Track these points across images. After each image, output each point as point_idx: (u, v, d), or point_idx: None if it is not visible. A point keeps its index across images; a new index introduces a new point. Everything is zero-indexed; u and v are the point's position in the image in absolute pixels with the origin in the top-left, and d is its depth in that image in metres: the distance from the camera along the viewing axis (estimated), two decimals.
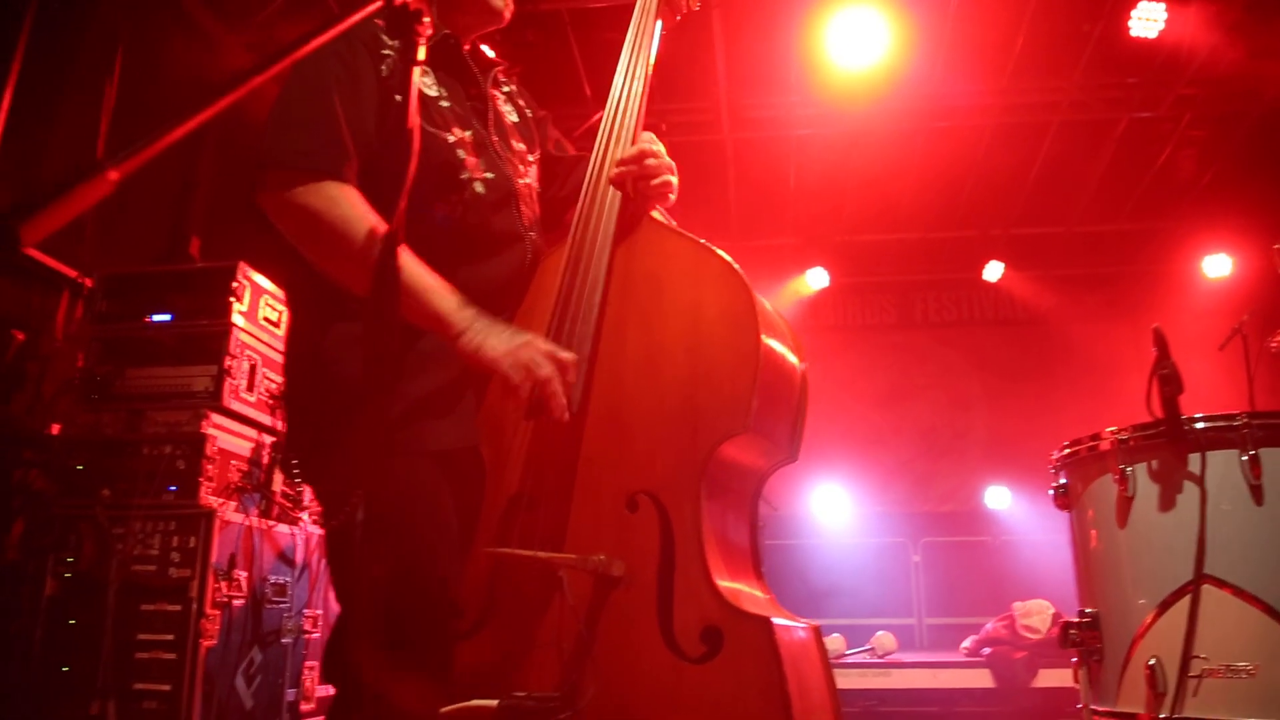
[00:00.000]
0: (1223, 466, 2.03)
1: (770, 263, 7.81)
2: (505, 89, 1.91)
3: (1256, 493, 1.98)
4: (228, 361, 3.46)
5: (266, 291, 3.77)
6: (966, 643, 4.83)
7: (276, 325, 3.82)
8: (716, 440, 1.45)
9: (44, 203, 0.68)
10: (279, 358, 3.83)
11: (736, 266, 1.53)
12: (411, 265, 1.45)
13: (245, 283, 3.61)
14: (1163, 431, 2.05)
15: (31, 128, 3.78)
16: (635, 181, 1.62)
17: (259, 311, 3.71)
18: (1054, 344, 7.66)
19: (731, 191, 7.20)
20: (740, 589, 1.48)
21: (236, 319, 3.53)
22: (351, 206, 1.49)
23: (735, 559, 1.53)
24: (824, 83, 5.93)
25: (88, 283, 3.81)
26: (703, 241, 1.59)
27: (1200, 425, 2.06)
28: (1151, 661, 1.92)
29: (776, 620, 1.38)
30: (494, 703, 1.34)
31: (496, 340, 1.46)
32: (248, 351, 3.60)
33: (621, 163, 1.63)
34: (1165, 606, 1.99)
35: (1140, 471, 2.13)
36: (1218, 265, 7.29)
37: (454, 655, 1.50)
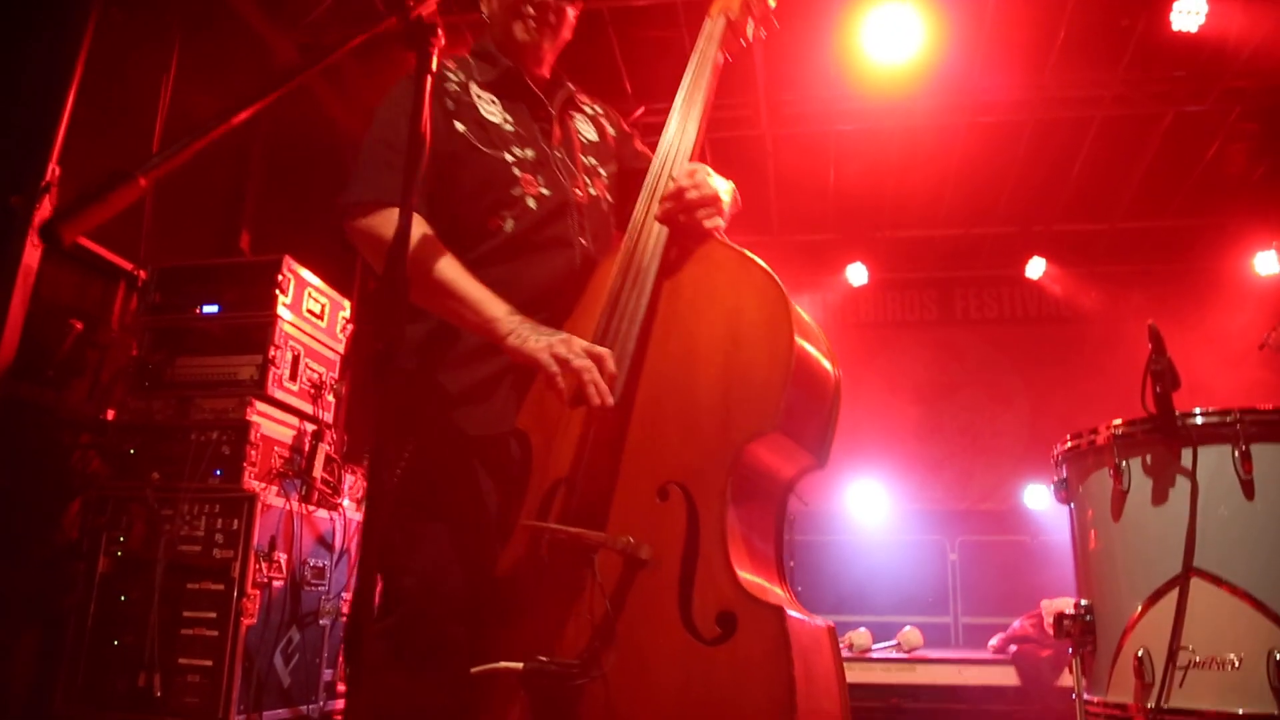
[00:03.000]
0: (1215, 461, 2.05)
1: (810, 258, 7.81)
2: (589, 110, 2.08)
3: (1247, 488, 1.99)
4: (272, 351, 3.60)
5: (310, 285, 3.91)
6: (994, 640, 4.82)
7: (319, 317, 3.96)
8: (746, 437, 1.52)
9: (80, 206, 0.77)
10: (321, 348, 3.97)
11: (776, 277, 1.61)
12: (464, 277, 1.66)
13: (290, 276, 3.75)
14: (1157, 426, 2.07)
15: (93, 126, 3.96)
16: (680, 214, 1.71)
17: (303, 304, 3.85)
18: (1097, 342, 7.54)
19: (771, 187, 7.21)
20: (759, 582, 1.54)
21: (281, 311, 3.67)
22: (416, 234, 1.64)
23: (758, 556, 1.60)
24: (862, 78, 5.92)
25: (142, 274, 3.99)
26: (747, 252, 1.67)
27: (1194, 420, 2.08)
28: (1140, 653, 1.95)
29: (791, 612, 1.44)
30: (519, 665, 1.46)
31: (537, 338, 1.60)
32: (291, 342, 3.74)
33: (664, 199, 1.71)
34: (1155, 599, 2.01)
35: (1135, 466, 2.15)
36: (1269, 262, 7.11)
37: (487, 621, 1.63)
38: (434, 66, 1.29)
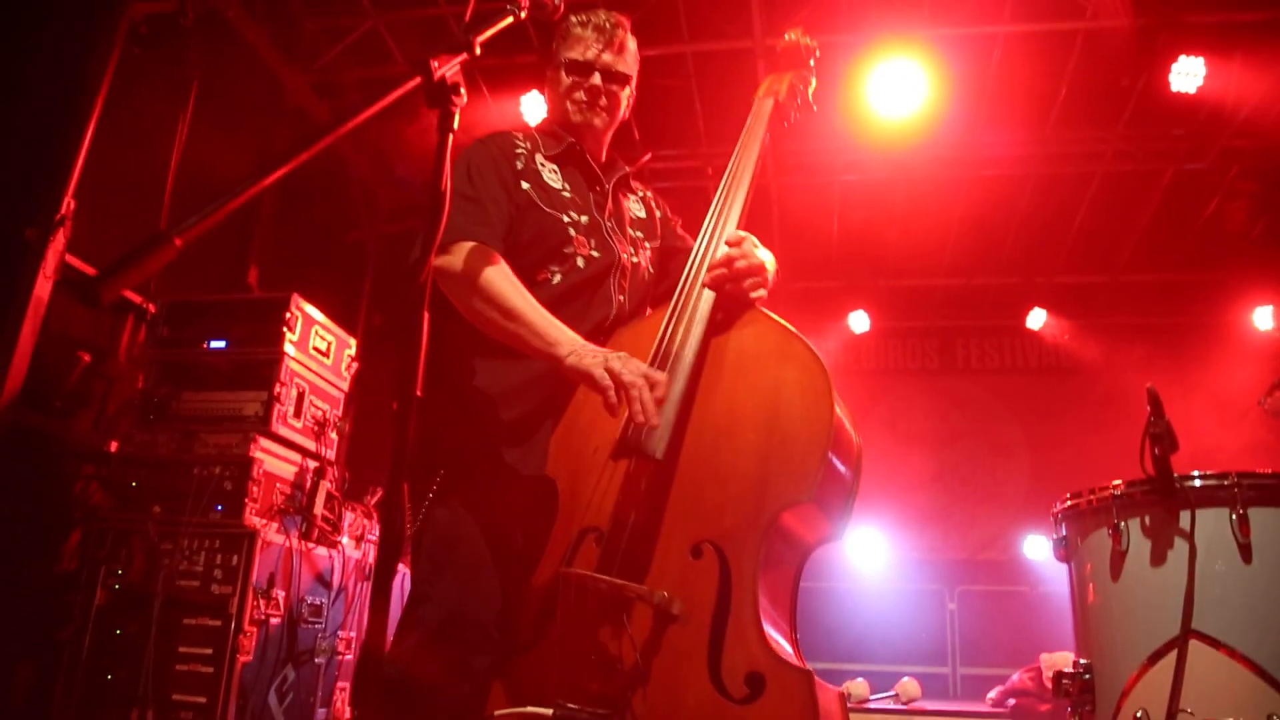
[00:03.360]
0: (1213, 524, 2.07)
1: (813, 306, 7.86)
2: (640, 192, 2.25)
3: (1245, 551, 2.01)
4: (277, 388, 3.62)
5: (317, 322, 3.94)
6: (992, 693, 4.77)
7: (325, 354, 3.99)
8: (783, 505, 1.57)
9: (121, 269, 0.81)
10: (325, 385, 4.00)
11: (819, 354, 1.68)
12: (535, 306, 1.76)
13: (298, 314, 3.78)
14: (1155, 488, 2.09)
15: (109, 161, 4.03)
16: (727, 283, 1.80)
17: (309, 341, 3.88)
18: (1097, 394, 7.56)
19: (775, 234, 7.29)
20: (784, 645, 1.59)
21: (288, 348, 3.70)
22: (496, 267, 1.79)
23: (780, 620, 1.65)
24: (867, 130, 6.02)
25: (151, 308, 4.03)
26: (790, 327, 1.75)
27: (1192, 483, 2.10)
28: (1139, 714, 1.95)
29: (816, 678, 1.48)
30: (549, 711, 1.48)
31: (594, 356, 1.66)
32: (297, 379, 3.76)
33: (713, 267, 1.81)
34: (1154, 660, 2.02)
35: (1134, 526, 2.17)
36: (1266, 318, 7.16)
37: (509, 662, 1.65)
38: (455, 125, 1.33)
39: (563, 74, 2.06)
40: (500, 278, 1.77)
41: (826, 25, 5.29)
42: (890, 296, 8.07)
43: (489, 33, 1.47)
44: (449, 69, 1.30)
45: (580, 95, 2.05)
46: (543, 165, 2.00)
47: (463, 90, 1.34)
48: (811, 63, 2.29)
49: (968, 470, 7.86)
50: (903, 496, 7.61)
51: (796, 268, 7.87)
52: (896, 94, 5.41)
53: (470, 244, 1.79)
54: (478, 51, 1.40)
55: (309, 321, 3.88)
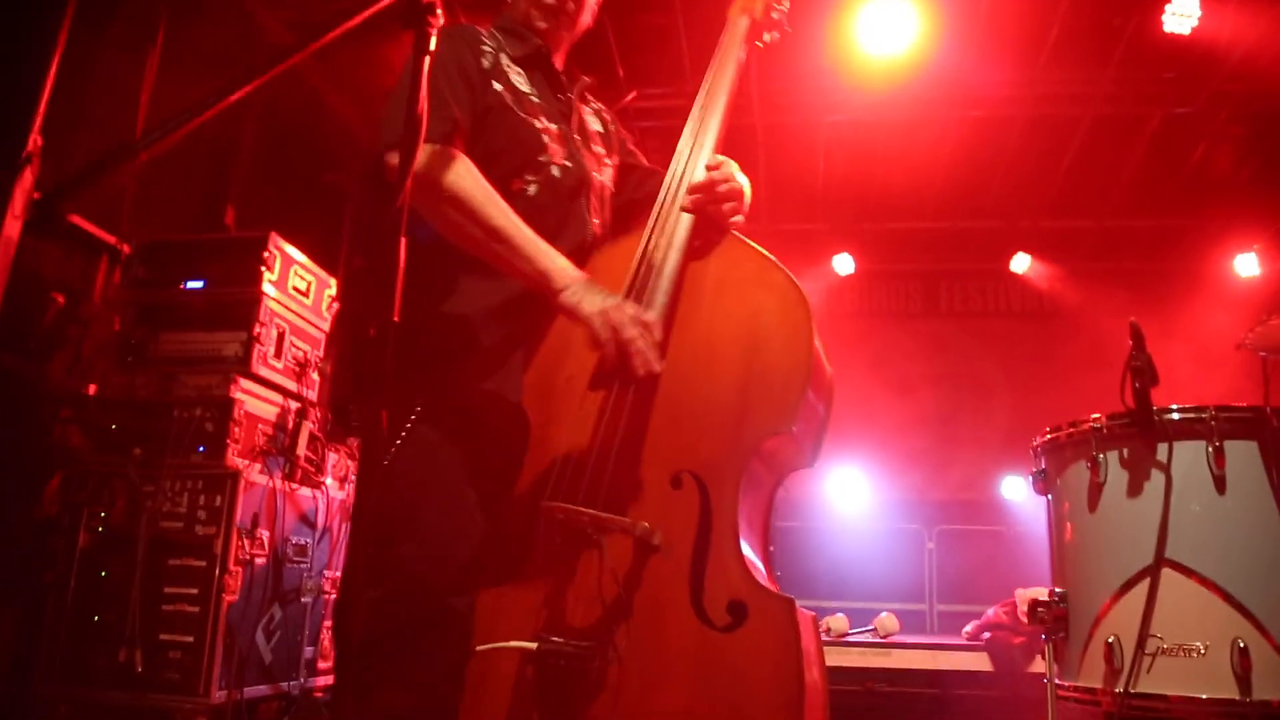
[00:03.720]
0: (1190, 457, 2.13)
1: (798, 247, 7.82)
2: (593, 105, 2.13)
3: (1219, 483, 2.07)
4: (257, 329, 3.58)
5: (296, 262, 3.89)
6: (968, 627, 4.88)
7: (305, 294, 3.94)
8: (762, 435, 1.58)
9: (79, 181, 0.77)
10: (306, 326, 3.96)
11: (797, 282, 1.69)
12: (519, 225, 1.65)
13: (276, 253, 3.73)
14: (1134, 421, 2.13)
15: (75, 95, 3.91)
16: (706, 206, 1.77)
17: (289, 281, 3.83)
18: (1079, 338, 7.61)
19: (762, 175, 7.20)
20: (761, 569, 1.61)
21: (267, 288, 3.65)
22: (457, 166, 1.66)
23: (758, 547, 1.67)
24: (854, 70, 5.93)
25: (126, 249, 3.95)
26: (768, 254, 1.74)
27: (1170, 416, 2.14)
28: (1110, 639, 2.02)
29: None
30: (533, 645, 1.49)
31: (592, 299, 1.61)
32: (276, 319, 3.72)
33: (693, 189, 1.77)
34: (1127, 588, 2.09)
35: (1112, 459, 2.22)
36: (1249, 264, 7.20)
37: (489, 597, 1.63)
38: (432, 46, 1.29)
39: None
40: (476, 188, 1.65)
41: None
42: (875, 239, 8.04)
43: None
44: None
45: (548, 1, 1.95)
46: (509, 67, 1.88)
47: (439, 10, 1.30)
48: None
49: (949, 412, 7.93)
50: (884, 438, 7.68)
51: (782, 210, 7.83)
52: (886, 31, 5.32)
53: (434, 146, 1.66)
54: None
55: (288, 261, 3.83)
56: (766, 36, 2.16)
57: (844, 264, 7.86)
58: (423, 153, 1.63)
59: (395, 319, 1.13)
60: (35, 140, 3.67)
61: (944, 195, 7.44)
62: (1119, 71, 5.96)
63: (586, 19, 2.05)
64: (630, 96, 6.28)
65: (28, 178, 3.66)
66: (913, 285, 8.43)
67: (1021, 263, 7.71)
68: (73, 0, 3.88)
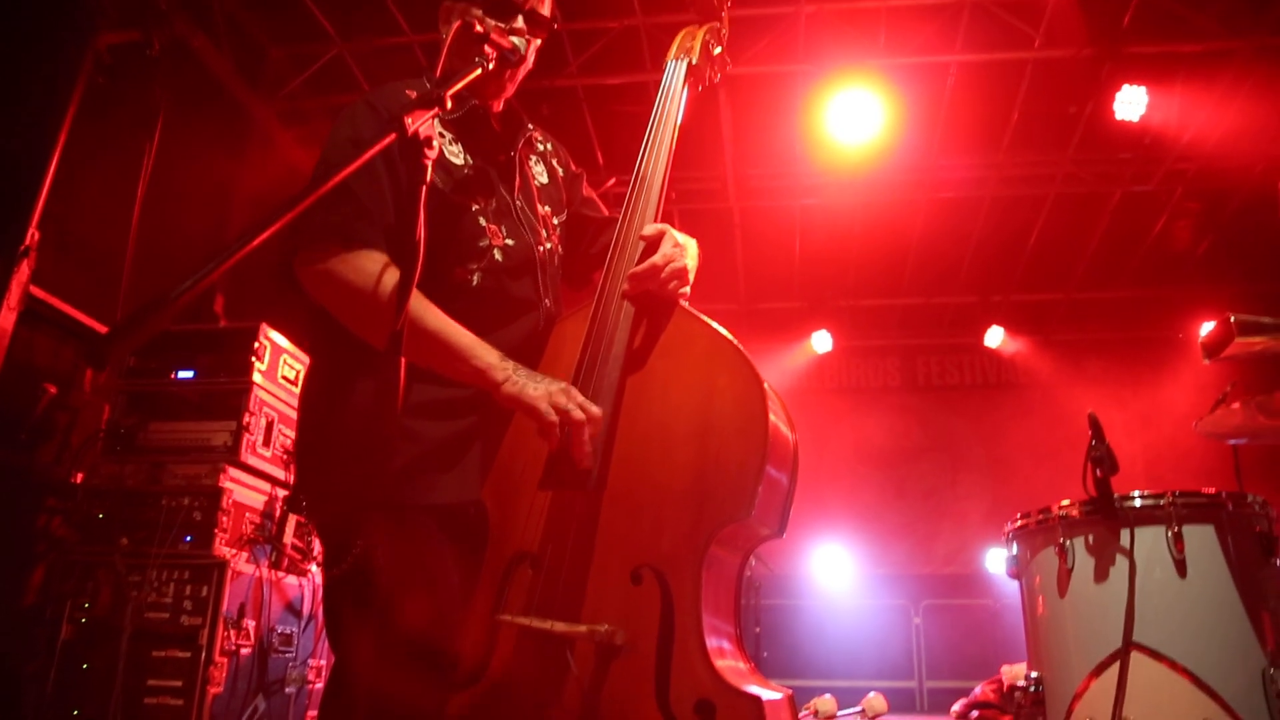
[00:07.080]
0: (1151, 541, 2.20)
1: (776, 326, 8.00)
2: (541, 146, 1.98)
3: (1180, 566, 2.14)
4: (247, 418, 3.62)
5: (285, 351, 3.95)
6: (957, 705, 4.87)
7: (294, 383, 4.00)
8: (720, 524, 1.51)
9: (125, 332, 0.85)
10: (294, 414, 4.01)
11: (746, 353, 1.61)
12: (450, 324, 1.58)
13: (266, 343, 3.79)
14: (1097, 509, 2.21)
15: (77, 187, 4.02)
16: (650, 285, 1.69)
17: (278, 370, 3.89)
18: (1054, 408, 7.76)
19: (739, 256, 7.42)
20: (733, 665, 1.55)
21: (257, 377, 3.71)
22: (374, 269, 1.58)
23: (726, 635, 1.61)
24: (826, 156, 6.18)
25: None
26: (717, 327, 1.67)
27: (1132, 503, 2.22)
28: None
29: (765, 697, 1.45)
30: None
31: (535, 386, 1.55)
32: (266, 408, 3.77)
33: (634, 277, 1.68)
34: (1098, 671, 2.13)
35: (1079, 545, 2.29)
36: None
37: (449, 707, 1.56)
38: (428, 178, 1.38)
39: (475, 10, 1.76)
40: (399, 297, 1.50)
41: (786, 55, 5.44)
42: (852, 316, 8.25)
43: (458, 86, 1.52)
44: (422, 124, 1.36)
45: (490, 51, 1.64)
46: (442, 135, 1.72)
47: (435, 143, 1.40)
48: (724, 14, 2.06)
49: (930, 485, 8.02)
50: (867, 513, 7.74)
51: (761, 289, 8.03)
52: (854, 121, 5.57)
53: (366, 251, 1.58)
54: (449, 105, 1.43)
55: (277, 350, 3.90)
56: (710, 77, 2.03)
57: (822, 341, 8.01)
58: (357, 257, 1.58)
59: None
60: (34, 234, 3.77)
61: (918, 273, 7.68)
62: (1078, 153, 6.26)
63: (529, 63, 1.87)
64: (610, 182, 6.50)
65: (24, 270, 3.74)
66: (890, 361, 8.61)
67: (995, 336, 7.91)
68: (76, 96, 4.04)
